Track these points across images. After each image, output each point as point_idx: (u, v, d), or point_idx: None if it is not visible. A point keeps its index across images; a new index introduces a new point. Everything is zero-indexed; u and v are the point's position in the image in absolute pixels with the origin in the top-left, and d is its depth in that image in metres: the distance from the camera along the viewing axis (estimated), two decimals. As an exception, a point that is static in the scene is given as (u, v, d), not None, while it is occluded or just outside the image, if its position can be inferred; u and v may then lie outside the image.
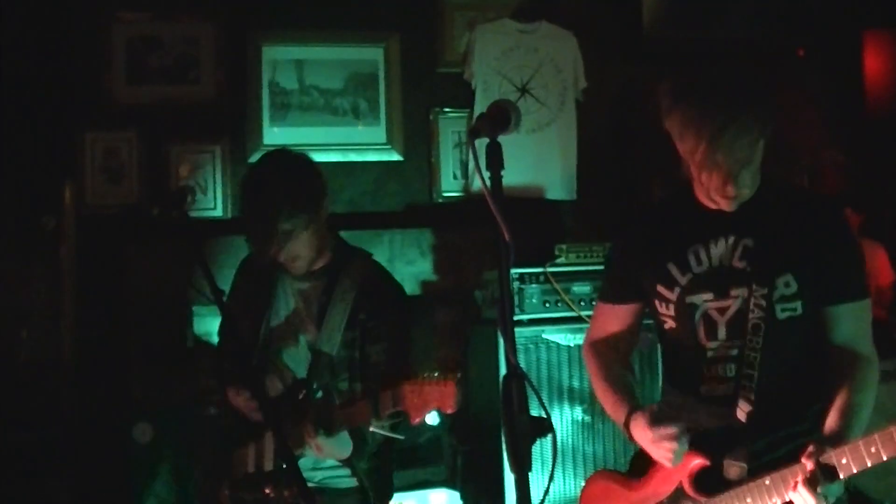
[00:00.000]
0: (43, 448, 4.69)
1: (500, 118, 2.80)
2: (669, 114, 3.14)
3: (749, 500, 3.07)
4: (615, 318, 3.54)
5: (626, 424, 3.30)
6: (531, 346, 5.04)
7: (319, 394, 3.81)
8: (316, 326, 3.90)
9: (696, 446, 3.16)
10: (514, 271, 5.02)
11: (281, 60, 5.73)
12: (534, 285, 5.08)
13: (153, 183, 5.52)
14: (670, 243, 3.34)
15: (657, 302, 3.36)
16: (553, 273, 5.14)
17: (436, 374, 3.30)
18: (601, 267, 5.08)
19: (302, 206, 3.81)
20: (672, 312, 3.32)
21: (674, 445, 3.13)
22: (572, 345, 5.08)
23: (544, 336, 5.06)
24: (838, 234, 3.28)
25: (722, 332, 3.25)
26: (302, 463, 3.64)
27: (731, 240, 3.26)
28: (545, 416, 2.78)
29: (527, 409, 2.67)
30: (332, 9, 5.79)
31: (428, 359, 5.59)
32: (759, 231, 3.23)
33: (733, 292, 3.24)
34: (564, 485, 5.05)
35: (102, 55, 5.54)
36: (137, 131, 5.54)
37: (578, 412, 5.08)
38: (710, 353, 3.27)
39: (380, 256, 5.56)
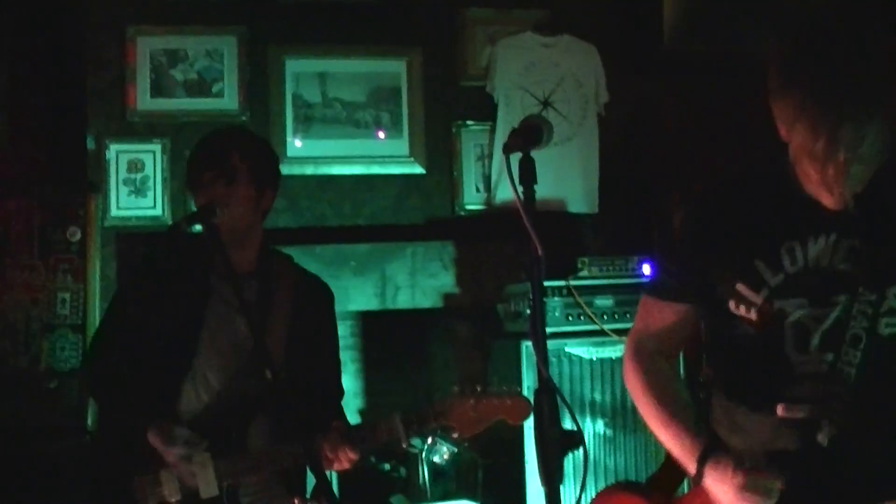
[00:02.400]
0: (64, 458, 4.69)
1: (533, 133, 2.81)
2: (779, 95, 2.72)
3: None
4: (668, 314, 3.08)
5: (701, 464, 2.85)
6: (553, 359, 5.02)
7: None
8: (255, 337, 3.47)
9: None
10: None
11: (304, 73, 5.74)
12: (556, 298, 5.07)
13: (177, 196, 5.53)
14: (759, 235, 2.86)
15: (733, 302, 2.85)
16: (575, 286, 5.13)
17: (498, 389, 3.28)
18: (624, 280, 5.13)
19: (257, 158, 3.81)
20: (754, 317, 2.81)
21: (767, 500, 2.72)
22: (594, 358, 5.07)
23: (567, 349, 5.04)
24: None
25: (815, 343, 2.78)
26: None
27: (833, 238, 2.78)
28: (576, 430, 2.79)
29: (558, 423, 2.68)
30: (355, 22, 5.81)
31: (448, 372, 5.61)
32: (869, 231, 2.76)
33: (834, 298, 2.77)
34: (586, 499, 5.04)
35: (127, 68, 5.56)
36: (161, 144, 5.56)
37: (600, 425, 5.07)
38: (797, 368, 2.80)
39: (401, 269, 5.61)
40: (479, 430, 3.40)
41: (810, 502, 2.73)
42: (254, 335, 3.30)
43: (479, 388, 3.36)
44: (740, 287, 2.82)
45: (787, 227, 2.81)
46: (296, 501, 3.62)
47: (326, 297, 4.02)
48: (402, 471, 5.28)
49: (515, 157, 2.78)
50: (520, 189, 2.74)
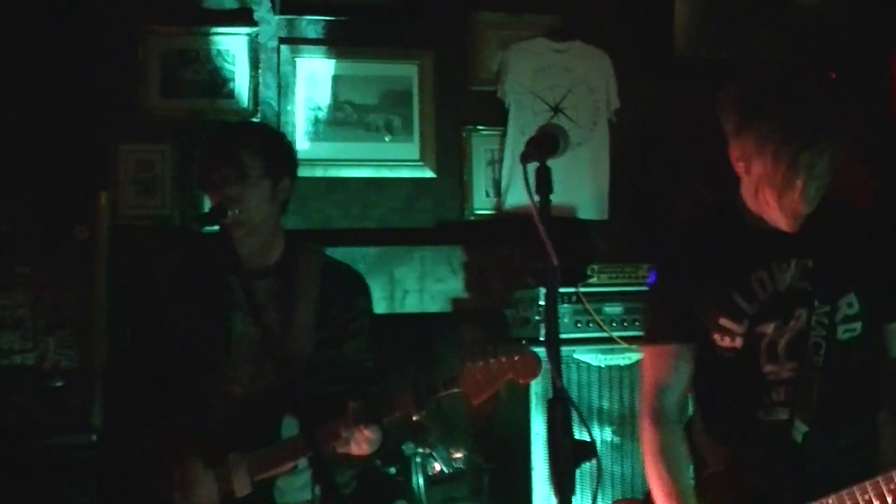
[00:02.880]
0: (69, 457, 4.68)
1: (549, 143, 2.82)
2: (740, 132, 3.05)
3: None
4: (675, 359, 3.28)
5: None
6: (562, 366, 5.00)
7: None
8: (282, 328, 3.74)
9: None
10: (543, 291, 5.00)
11: (315, 76, 5.73)
12: (565, 305, 5.05)
13: (185, 196, 5.53)
14: (729, 270, 3.20)
15: (717, 335, 3.21)
16: (585, 293, 5.12)
17: (505, 347, 3.22)
18: (633, 288, 5.11)
19: (268, 149, 3.81)
20: (738, 345, 3.18)
21: None
22: (603, 365, 5.06)
23: (575, 356, 5.03)
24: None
25: (782, 354, 3.17)
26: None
27: (793, 262, 3.16)
28: (589, 441, 2.78)
29: (571, 433, 2.68)
30: (367, 26, 5.80)
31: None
32: (819, 251, 3.14)
33: (796, 313, 3.16)
34: (596, 507, 5.04)
35: (137, 68, 5.55)
36: (171, 144, 5.55)
37: (608, 433, 5.06)
38: (769, 377, 3.18)
39: (410, 273, 5.60)
40: (490, 392, 3.34)
41: (788, 495, 3.07)
42: (265, 334, 3.31)
43: (488, 349, 3.31)
44: (723, 321, 3.18)
45: (754, 258, 3.18)
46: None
47: (355, 286, 3.99)
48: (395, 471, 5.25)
49: (532, 166, 2.78)
50: (535, 198, 2.74)
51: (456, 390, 3.31)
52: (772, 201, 3.05)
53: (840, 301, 3.14)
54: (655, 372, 3.31)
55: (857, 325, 3.16)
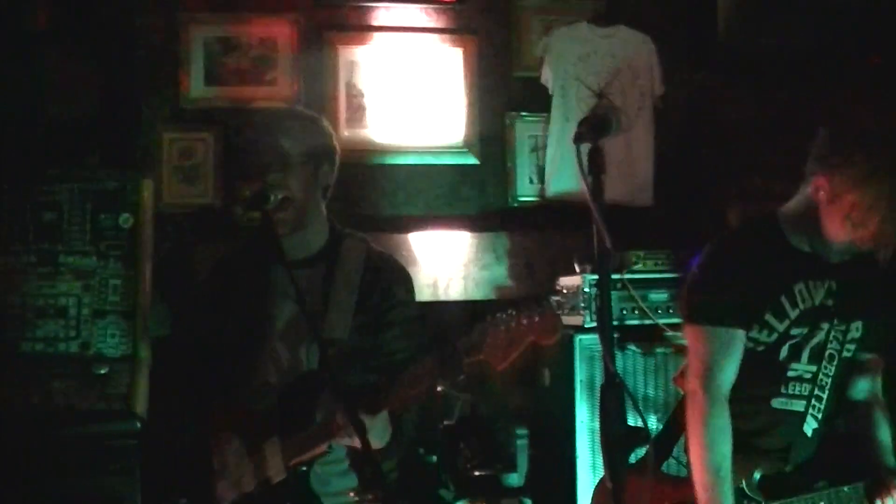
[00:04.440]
0: (112, 444, 4.68)
1: (602, 123, 2.78)
2: (840, 167, 3.47)
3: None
4: (737, 343, 3.60)
5: None
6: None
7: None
8: (322, 314, 3.69)
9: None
10: (590, 278, 4.98)
11: (358, 62, 5.71)
12: (611, 292, 5.02)
13: (228, 184, 5.52)
14: (777, 277, 3.62)
15: (757, 328, 3.60)
16: (630, 280, 5.09)
17: (525, 310, 3.14)
18: (679, 274, 5.07)
19: (308, 135, 3.80)
20: (771, 340, 3.62)
21: None
22: (648, 353, 5.03)
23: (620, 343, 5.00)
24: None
25: (805, 357, 3.66)
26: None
27: (826, 283, 3.64)
28: (642, 426, 2.76)
29: (624, 419, 2.65)
30: (409, 12, 5.78)
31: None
32: (845, 278, 3.64)
33: (820, 324, 3.65)
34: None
35: (180, 56, 5.57)
36: (213, 132, 5.55)
37: (653, 420, 5.02)
38: (790, 373, 3.66)
39: (454, 261, 5.58)
40: (511, 356, 3.23)
41: (797, 481, 3.61)
42: (305, 319, 3.29)
43: (508, 312, 3.23)
44: (768, 317, 3.60)
45: (797, 272, 3.63)
46: (351, 493, 3.60)
47: (396, 276, 3.92)
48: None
49: (584, 147, 2.74)
50: (589, 179, 2.70)
51: (479, 356, 3.23)
52: (840, 232, 3.50)
53: (852, 324, 3.69)
54: (713, 351, 3.58)
55: (853, 348, 3.73)
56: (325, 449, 3.51)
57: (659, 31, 6.02)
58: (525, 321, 3.11)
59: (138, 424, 4.71)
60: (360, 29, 5.75)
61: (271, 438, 3.56)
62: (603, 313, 2.71)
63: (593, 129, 2.76)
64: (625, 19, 5.98)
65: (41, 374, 4.80)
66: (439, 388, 3.39)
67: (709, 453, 3.48)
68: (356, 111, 5.68)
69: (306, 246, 3.83)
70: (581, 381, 4.88)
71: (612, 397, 2.64)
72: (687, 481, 3.58)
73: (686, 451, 3.63)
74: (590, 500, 3.94)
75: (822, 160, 3.54)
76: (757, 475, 3.53)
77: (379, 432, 3.44)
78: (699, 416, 3.53)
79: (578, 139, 2.75)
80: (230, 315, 3.85)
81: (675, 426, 3.91)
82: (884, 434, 3.76)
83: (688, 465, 3.59)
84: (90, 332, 4.97)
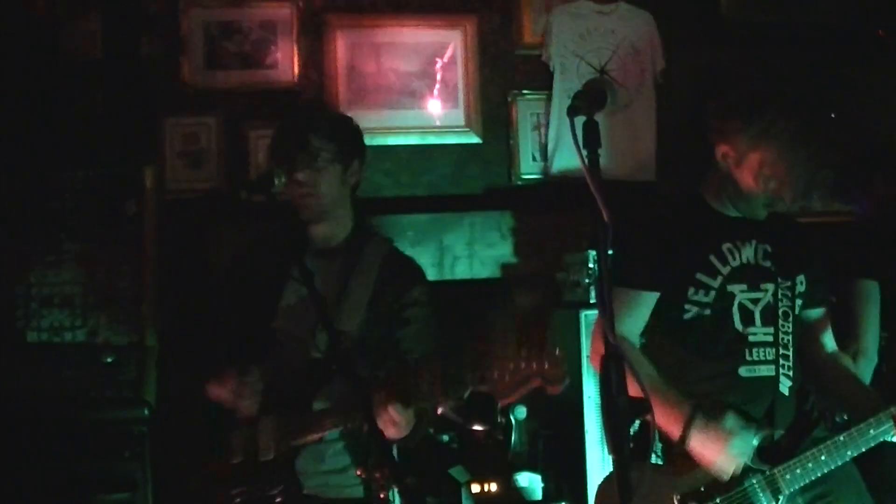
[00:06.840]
0: (122, 431, 4.70)
1: (597, 96, 2.80)
2: (740, 132, 3.77)
3: (824, 457, 3.59)
4: (645, 306, 3.82)
5: (687, 428, 3.60)
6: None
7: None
8: (335, 304, 3.79)
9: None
10: (593, 254, 4.98)
11: (358, 43, 5.70)
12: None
13: (232, 167, 5.53)
14: (706, 238, 3.82)
15: (692, 289, 3.77)
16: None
17: (533, 352, 3.19)
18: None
19: (338, 135, 3.89)
20: (710, 300, 3.77)
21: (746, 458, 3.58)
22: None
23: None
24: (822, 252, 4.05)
25: (758, 320, 3.80)
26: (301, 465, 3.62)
27: (754, 243, 3.85)
28: (644, 397, 2.77)
29: (625, 391, 2.65)
30: (410, -9, 5.78)
31: (509, 342, 5.56)
32: (774, 238, 3.87)
33: (763, 286, 3.82)
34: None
35: (180, 40, 5.56)
36: (216, 116, 5.56)
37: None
38: (751, 338, 3.79)
39: (460, 240, 5.59)
40: (515, 396, 3.29)
41: (791, 441, 3.69)
42: (319, 309, 3.32)
43: (520, 352, 3.25)
44: (699, 276, 3.78)
45: (723, 233, 3.84)
46: (358, 472, 3.61)
47: (413, 276, 4.04)
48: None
49: (579, 121, 2.75)
50: (584, 153, 2.71)
51: (483, 388, 3.27)
52: (765, 190, 3.75)
53: (797, 278, 3.88)
54: (617, 307, 3.16)
55: (801, 303, 3.91)
56: (318, 438, 3.56)
57: (660, 6, 6.00)
58: (535, 366, 3.16)
59: (146, 412, 4.73)
60: (359, 10, 5.74)
61: (267, 416, 3.59)
62: (602, 285, 2.71)
63: (588, 102, 2.77)
64: (625, -5, 5.96)
65: (50, 364, 4.82)
66: (439, 410, 3.45)
67: (639, 369, 3.21)
68: (357, 92, 5.67)
69: (329, 238, 3.95)
70: (587, 356, 4.89)
71: (614, 368, 2.64)
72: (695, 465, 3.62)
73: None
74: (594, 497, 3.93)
75: (721, 130, 3.87)
76: (755, 441, 3.57)
77: (404, 426, 3.50)
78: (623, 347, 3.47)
79: (573, 112, 2.76)
80: (244, 297, 3.98)
81: None
82: (861, 377, 4.08)
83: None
84: (96, 320, 4.99)
